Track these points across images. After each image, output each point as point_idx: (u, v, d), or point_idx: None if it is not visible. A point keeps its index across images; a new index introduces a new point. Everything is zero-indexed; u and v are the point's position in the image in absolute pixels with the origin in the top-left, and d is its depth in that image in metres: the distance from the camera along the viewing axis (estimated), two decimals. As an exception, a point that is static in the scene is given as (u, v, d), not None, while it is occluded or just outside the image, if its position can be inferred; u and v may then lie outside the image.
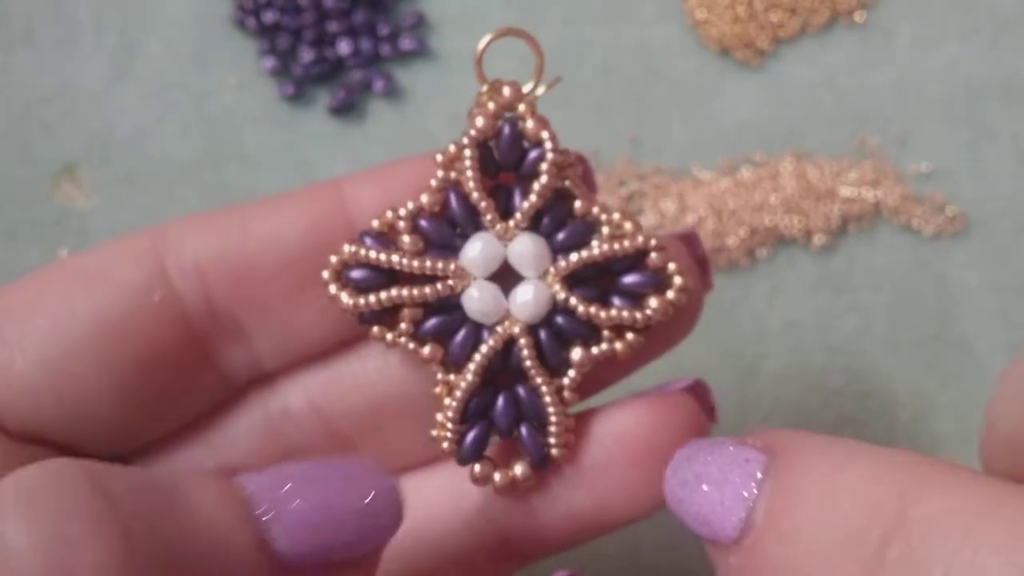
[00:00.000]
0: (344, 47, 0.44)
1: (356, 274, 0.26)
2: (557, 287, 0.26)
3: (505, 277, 0.26)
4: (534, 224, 0.26)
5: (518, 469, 0.26)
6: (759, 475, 0.21)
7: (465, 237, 0.26)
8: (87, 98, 0.44)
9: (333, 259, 0.26)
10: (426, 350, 0.26)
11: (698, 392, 0.28)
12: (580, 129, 0.26)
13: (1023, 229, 0.42)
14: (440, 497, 0.28)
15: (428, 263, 0.25)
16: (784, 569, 0.20)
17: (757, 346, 0.42)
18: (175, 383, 0.26)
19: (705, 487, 0.22)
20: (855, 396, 0.41)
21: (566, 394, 0.26)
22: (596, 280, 0.26)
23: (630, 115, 0.44)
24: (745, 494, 0.21)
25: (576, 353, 0.26)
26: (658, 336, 0.27)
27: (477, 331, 0.26)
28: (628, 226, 0.26)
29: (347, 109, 0.44)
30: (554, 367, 0.26)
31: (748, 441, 0.23)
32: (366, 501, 0.21)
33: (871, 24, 0.45)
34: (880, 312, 0.42)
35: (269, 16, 0.44)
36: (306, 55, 0.44)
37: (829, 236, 0.43)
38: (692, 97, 0.44)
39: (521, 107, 0.26)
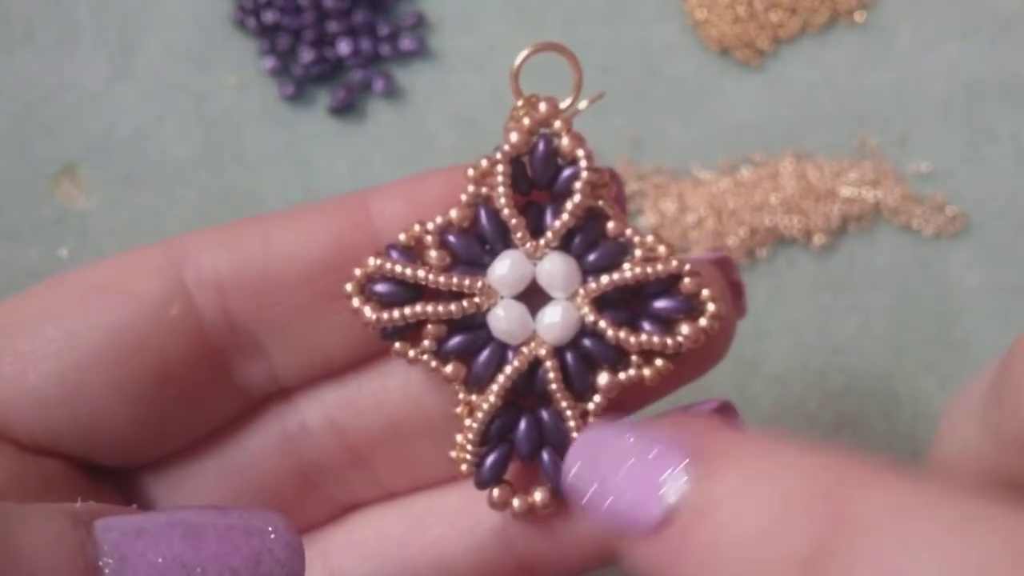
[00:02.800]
0: (344, 47, 0.43)
1: (380, 288, 0.25)
2: (586, 309, 0.24)
3: (533, 297, 0.25)
4: (565, 244, 0.25)
5: (538, 495, 0.25)
6: (681, 465, 0.20)
7: (494, 254, 0.25)
8: (87, 98, 0.43)
9: (357, 272, 0.25)
10: (449, 368, 0.25)
11: (725, 414, 0.26)
12: (580, 129, 0.25)
13: (1023, 229, 0.42)
14: (455, 517, 0.27)
15: (455, 279, 0.24)
16: (711, 556, 0.19)
17: (757, 346, 0.41)
18: (191, 397, 0.25)
19: (620, 477, 0.20)
20: (855, 396, 0.41)
21: (591, 419, 0.25)
22: (626, 303, 0.25)
23: (630, 115, 0.43)
24: (668, 484, 0.19)
25: (603, 378, 0.25)
26: (688, 362, 0.25)
27: (502, 351, 0.25)
28: (662, 249, 0.25)
29: (347, 109, 0.43)
30: (580, 391, 0.25)
31: (657, 433, 0.20)
32: (248, 563, 0.19)
33: (871, 24, 0.44)
34: (880, 312, 0.41)
35: (269, 16, 0.43)
36: (306, 55, 0.43)
37: (829, 236, 0.42)
38: (692, 97, 0.44)
39: (557, 123, 0.25)
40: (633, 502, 0.20)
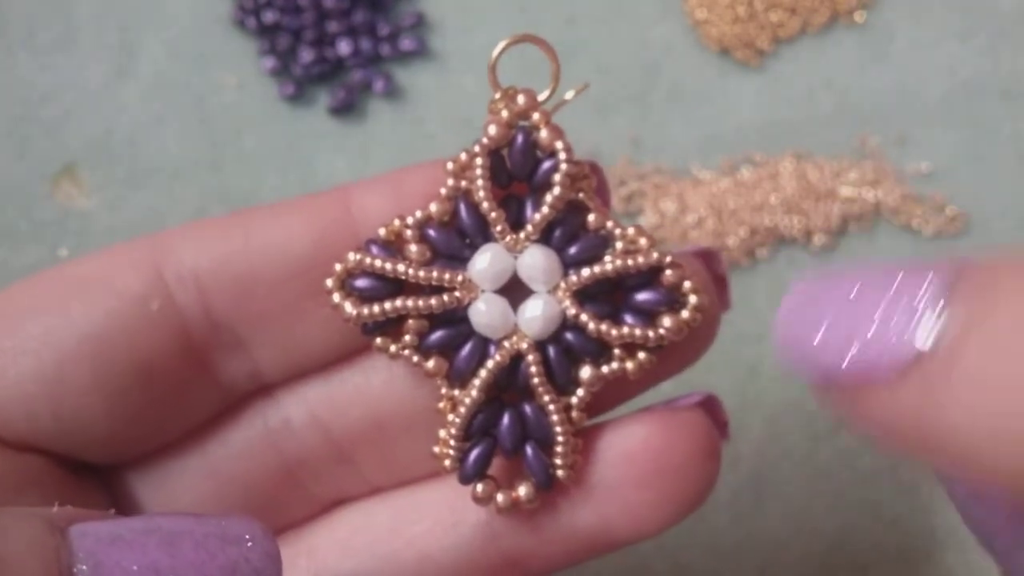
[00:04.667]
0: (344, 47, 0.43)
1: (361, 283, 0.24)
2: (567, 302, 0.24)
3: (514, 290, 0.25)
4: (545, 237, 0.24)
5: (522, 490, 0.25)
6: (944, 287, 0.16)
7: (474, 248, 0.25)
8: (87, 98, 0.43)
9: (337, 267, 0.24)
10: (430, 363, 0.25)
11: (710, 407, 0.26)
12: (580, 129, 0.25)
13: (1023, 229, 0.42)
14: (440, 512, 0.26)
15: (435, 274, 0.24)
16: (996, 385, 0.16)
17: (757, 346, 0.41)
18: (173, 393, 0.25)
19: (862, 304, 0.17)
20: (855, 396, 0.40)
21: (574, 413, 0.25)
22: (608, 296, 0.25)
23: (630, 115, 0.43)
24: (930, 308, 0.16)
25: (585, 371, 0.25)
26: (671, 355, 0.25)
27: (484, 345, 0.25)
28: (643, 241, 0.24)
29: (347, 109, 0.43)
30: (562, 385, 0.25)
31: (894, 268, 0.17)
32: (225, 571, 0.19)
33: (871, 24, 0.44)
34: (880, 312, 0.41)
35: (269, 16, 0.43)
36: (306, 55, 0.43)
37: (829, 236, 0.42)
38: (692, 97, 0.43)
39: (536, 116, 0.25)
40: (877, 342, 0.17)
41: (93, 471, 0.26)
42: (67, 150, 0.43)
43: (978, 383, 0.16)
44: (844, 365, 0.17)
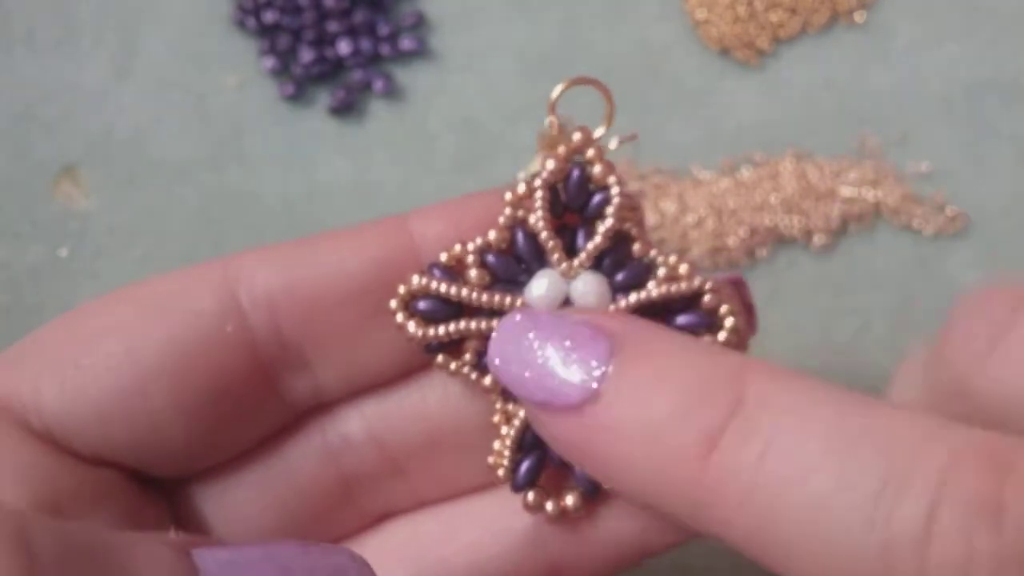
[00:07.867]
0: (344, 47, 0.44)
1: (424, 305, 0.26)
2: None
3: None
4: (596, 264, 0.27)
5: (569, 499, 0.27)
6: (606, 348, 0.23)
7: (530, 273, 0.27)
8: (87, 98, 0.44)
9: (401, 289, 0.26)
10: (487, 380, 0.27)
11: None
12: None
13: (1023, 229, 0.42)
14: (488, 521, 0.28)
15: (496, 297, 0.26)
16: (627, 431, 0.22)
17: (757, 346, 0.41)
18: (241, 411, 0.27)
19: (551, 352, 0.23)
20: (855, 396, 0.41)
21: None
22: (652, 319, 0.27)
23: (630, 115, 0.43)
24: (594, 363, 0.22)
25: None
26: None
27: None
28: (684, 269, 0.27)
29: (347, 109, 0.44)
30: None
31: (583, 320, 0.24)
32: None
33: (871, 24, 0.44)
34: (880, 312, 0.41)
35: (269, 16, 0.44)
36: (306, 55, 0.43)
37: (829, 236, 0.42)
38: (692, 97, 0.44)
39: (590, 152, 0.27)
40: (559, 380, 0.23)
41: (156, 483, 0.28)
42: (67, 150, 0.43)
43: (621, 432, 0.22)
44: (534, 393, 0.23)
